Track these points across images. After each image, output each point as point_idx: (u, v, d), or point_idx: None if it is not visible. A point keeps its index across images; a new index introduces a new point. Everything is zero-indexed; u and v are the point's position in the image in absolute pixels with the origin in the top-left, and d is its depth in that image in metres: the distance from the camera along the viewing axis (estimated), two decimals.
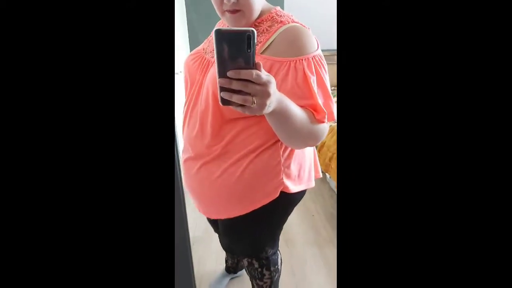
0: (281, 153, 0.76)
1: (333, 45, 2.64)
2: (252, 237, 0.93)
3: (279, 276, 1.11)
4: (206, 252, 1.65)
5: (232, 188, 0.76)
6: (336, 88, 2.52)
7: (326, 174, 2.14)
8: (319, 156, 2.17)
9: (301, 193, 0.87)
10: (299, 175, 0.82)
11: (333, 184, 2.16)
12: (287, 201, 0.84)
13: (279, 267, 1.09)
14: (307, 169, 0.85)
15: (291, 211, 0.91)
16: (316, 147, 2.24)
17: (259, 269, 1.04)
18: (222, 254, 1.51)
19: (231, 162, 0.75)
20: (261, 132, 0.73)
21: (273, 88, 0.52)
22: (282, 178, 0.77)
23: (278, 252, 1.08)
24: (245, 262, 1.07)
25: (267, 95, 0.51)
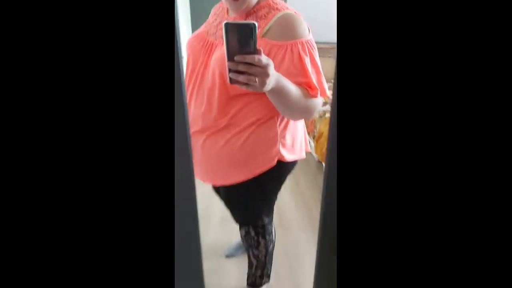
0: (278, 125, 0.88)
1: (334, 38, 2.74)
2: (250, 204, 1.04)
3: (273, 248, 1.22)
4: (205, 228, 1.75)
5: (235, 155, 0.87)
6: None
7: (323, 163, 2.25)
8: (316, 146, 2.27)
9: (294, 163, 0.99)
10: (293, 145, 0.94)
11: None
12: (282, 170, 0.96)
13: (273, 238, 1.20)
14: (299, 141, 0.98)
15: (284, 180, 1.02)
16: (314, 136, 2.35)
17: (255, 237, 1.15)
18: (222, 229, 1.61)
19: (234, 133, 0.86)
20: (261, 107, 0.84)
21: (271, 70, 0.63)
22: (279, 147, 0.88)
23: (272, 224, 1.18)
24: (242, 232, 1.17)
25: (267, 75, 0.62)
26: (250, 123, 0.85)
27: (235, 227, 1.22)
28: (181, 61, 0.42)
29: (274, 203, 1.10)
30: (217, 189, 1.17)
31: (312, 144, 2.34)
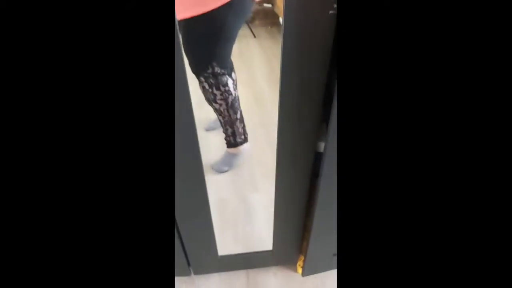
0: None
1: None
2: (203, 45, 1.12)
3: (234, 101, 1.29)
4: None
5: None
6: None
7: None
8: None
9: (250, 3, 1.07)
10: None
11: None
12: (237, 6, 1.03)
13: (231, 89, 1.26)
14: None
15: (239, 24, 1.11)
16: None
17: (210, 90, 1.22)
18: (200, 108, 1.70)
19: None
20: None
21: None
22: None
23: (228, 76, 1.23)
24: (201, 90, 1.24)
25: None
26: None
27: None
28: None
29: (228, 52, 1.17)
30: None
31: None
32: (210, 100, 1.26)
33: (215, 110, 1.30)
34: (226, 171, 1.47)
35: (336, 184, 0.81)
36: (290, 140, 0.80)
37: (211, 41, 1.12)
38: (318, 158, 0.83)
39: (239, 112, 1.34)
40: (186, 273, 1.15)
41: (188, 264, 1.11)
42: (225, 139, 1.42)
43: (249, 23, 3.27)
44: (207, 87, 1.22)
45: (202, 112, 1.82)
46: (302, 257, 1.10)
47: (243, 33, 3.09)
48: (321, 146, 0.82)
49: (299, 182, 0.90)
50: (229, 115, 1.31)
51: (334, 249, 1.02)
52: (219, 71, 1.19)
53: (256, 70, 2.36)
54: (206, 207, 0.90)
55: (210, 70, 1.18)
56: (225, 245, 1.13)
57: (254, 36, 3.02)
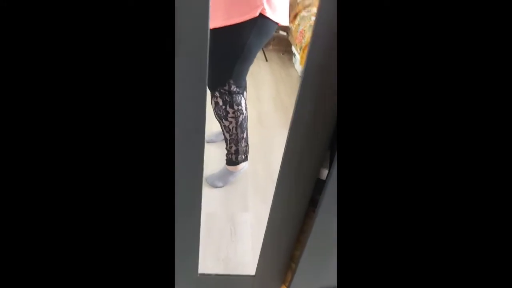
0: None
1: None
2: (222, 60, 1.13)
3: (244, 120, 1.29)
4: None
5: None
6: None
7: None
8: (302, 57, 2.27)
9: (274, 25, 1.09)
10: (276, 6, 1.04)
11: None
12: (262, 26, 1.06)
13: (243, 109, 1.25)
14: (283, 5, 1.09)
15: (260, 45, 1.14)
16: (301, 48, 2.32)
17: (223, 106, 1.21)
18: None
19: None
20: None
21: None
22: (264, 0, 0.98)
23: (242, 96, 1.23)
24: (212, 104, 1.23)
25: None
26: None
27: (215, 120, 1.29)
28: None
29: (245, 72, 1.18)
30: None
31: (298, 56, 2.30)
32: (221, 117, 1.26)
33: (224, 127, 1.29)
34: (220, 187, 1.44)
35: (334, 217, 0.80)
36: (295, 164, 0.78)
37: (232, 57, 1.13)
38: (318, 186, 0.81)
39: (245, 132, 1.33)
40: None
41: None
42: (227, 155, 1.40)
43: (264, 47, 3.35)
44: (220, 103, 1.21)
45: (207, 125, 1.82)
46: None
47: (257, 55, 3.17)
48: (324, 173, 0.81)
49: (295, 209, 0.87)
50: (237, 134, 1.31)
51: (320, 284, 0.98)
52: (235, 89, 1.19)
53: (264, 92, 2.39)
54: (196, 220, 0.87)
55: (226, 87, 1.18)
56: (206, 264, 1.08)
57: (266, 60, 3.09)
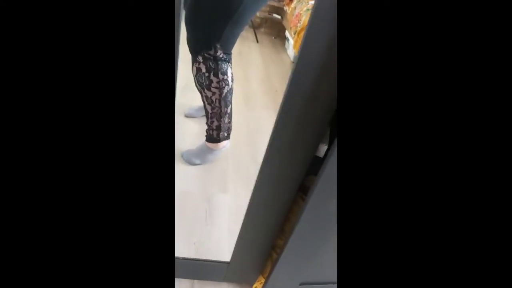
0: None
1: None
2: (211, 22, 0.99)
3: (229, 93, 1.15)
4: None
5: None
6: None
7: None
8: (296, 41, 2.16)
9: None
10: None
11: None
12: None
13: (229, 80, 1.12)
14: None
15: (255, 10, 1.00)
16: (295, 32, 2.21)
17: (206, 74, 1.07)
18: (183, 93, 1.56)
19: None
20: None
21: None
22: None
23: (229, 65, 1.10)
24: (194, 70, 1.09)
25: None
26: None
27: (197, 93, 1.15)
28: None
29: (235, 38, 1.05)
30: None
31: (291, 41, 2.19)
32: (203, 86, 1.11)
33: (206, 98, 1.15)
34: (197, 164, 1.31)
35: (326, 205, 0.70)
36: (286, 143, 0.67)
37: (222, 19, 0.98)
38: (315, 166, 0.71)
39: (230, 107, 1.20)
40: None
41: None
42: (207, 131, 1.27)
43: (255, 28, 3.20)
44: (203, 70, 1.07)
45: (187, 98, 1.68)
46: (261, 279, 0.95)
47: (247, 35, 3.02)
48: (322, 149, 0.70)
49: (282, 193, 0.77)
50: (220, 107, 1.17)
51: (302, 278, 0.89)
52: (221, 56, 1.05)
53: (252, 72, 2.26)
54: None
55: (212, 51, 1.03)
56: (175, 246, 0.97)
57: (257, 41, 2.94)
